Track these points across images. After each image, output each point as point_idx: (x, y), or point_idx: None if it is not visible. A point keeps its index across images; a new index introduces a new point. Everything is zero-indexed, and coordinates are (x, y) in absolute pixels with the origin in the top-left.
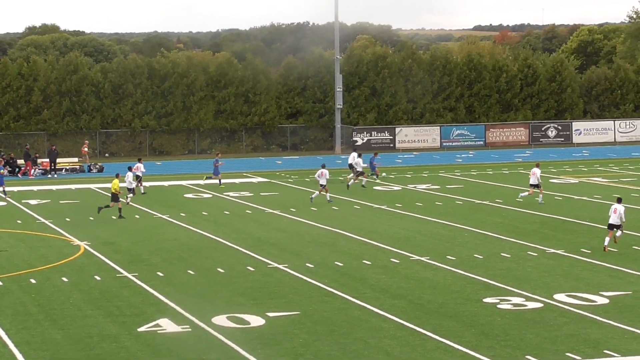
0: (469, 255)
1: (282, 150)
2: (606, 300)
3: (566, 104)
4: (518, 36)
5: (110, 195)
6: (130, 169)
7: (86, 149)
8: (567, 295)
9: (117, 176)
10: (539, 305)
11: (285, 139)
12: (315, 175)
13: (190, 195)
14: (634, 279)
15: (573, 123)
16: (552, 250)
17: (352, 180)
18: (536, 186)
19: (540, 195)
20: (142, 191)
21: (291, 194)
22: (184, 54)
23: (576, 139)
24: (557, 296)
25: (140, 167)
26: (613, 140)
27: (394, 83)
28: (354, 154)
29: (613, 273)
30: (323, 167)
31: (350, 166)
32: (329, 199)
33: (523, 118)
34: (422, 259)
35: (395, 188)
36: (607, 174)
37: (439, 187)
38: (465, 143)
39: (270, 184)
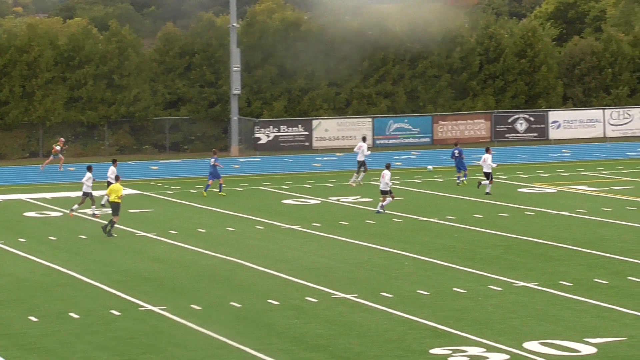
0: (411, 291)
1: (158, 152)
2: (593, 350)
3: (540, 88)
4: None
5: None
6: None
7: (58, 147)
8: (541, 344)
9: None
10: (505, 357)
11: (162, 137)
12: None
13: (32, 214)
14: (629, 320)
15: (549, 113)
16: (522, 283)
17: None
18: None
19: None
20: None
21: (171, 211)
22: (24, 21)
23: (553, 133)
24: (528, 344)
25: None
26: (602, 135)
27: (310, 60)
28: (363, 146)
29: (602, 313)
30: (387, 167)
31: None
32: (379, 208)
33: (483, 107)
34: (349, 296)
35: (312, 201)
36: (595, 181)
37: (371, 199)
38: (407, 140)
39: (143, 198)
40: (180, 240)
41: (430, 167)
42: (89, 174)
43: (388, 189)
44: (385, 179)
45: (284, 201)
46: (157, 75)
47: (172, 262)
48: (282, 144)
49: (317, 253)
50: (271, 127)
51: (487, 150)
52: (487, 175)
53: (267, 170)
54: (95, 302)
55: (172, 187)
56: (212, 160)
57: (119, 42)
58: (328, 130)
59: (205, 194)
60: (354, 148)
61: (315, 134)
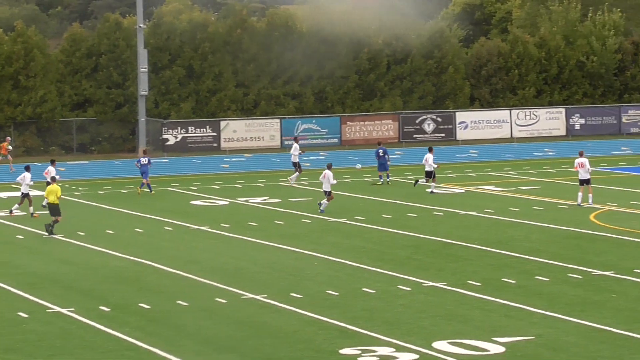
0: (321, 291)
1: (65, 153)
2: (502, 349)
3: (448, 89)
4: None
5: None
6: None
7: (10, 147)
8: (450, 343)
9: None
10: (414, 356)
11: (69, 138)
12: (320, 178)
13: None
14: (537, 319)
15: (457, 113)
16: (431, 283)
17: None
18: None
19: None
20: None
21: (79, 212)
22: None
23: (461, 134)
24: (437, 344)
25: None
26: (509, 135)
27: (217, 61)
28: (295, 147)
29: (511, 312)
30: (328, 167)
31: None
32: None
33: (391, 107)
34: (258, 297)
35: (221, 202)
36: (502, 181)
37: (279, 200)
38: (315, 141)
39: None
40: (88, 242)
41: (358, 165)
42: (28, 174)
43: (329, 189)
44: (329, 179)
45: (192, 202)
46: (64, 76)
47: (80, 263)
48: (190, 145)
49: (226, 254)
50: (179, 128)
51: (430, 150)
52: (430, 174)
53: (175, 172)
54: (2, 304)
55: (80, 189)
56: (145, 159)
57: (25, 43)
58: (236, 131)
59: (139, 192)
60: (261, 149)
61: (223, 135)
